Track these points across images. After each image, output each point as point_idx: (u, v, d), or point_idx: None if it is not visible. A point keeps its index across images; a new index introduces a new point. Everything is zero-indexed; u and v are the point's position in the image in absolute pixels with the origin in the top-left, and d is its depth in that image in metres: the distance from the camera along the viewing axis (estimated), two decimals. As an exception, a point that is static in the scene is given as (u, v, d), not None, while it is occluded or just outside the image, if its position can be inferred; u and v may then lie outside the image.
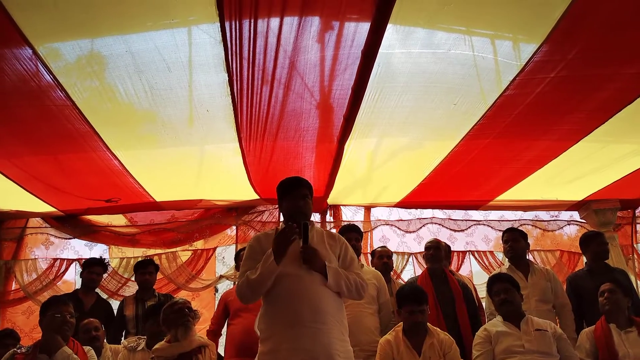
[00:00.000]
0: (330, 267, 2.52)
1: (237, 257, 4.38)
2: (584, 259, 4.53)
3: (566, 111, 3.56)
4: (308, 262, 2.48)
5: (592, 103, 3.43)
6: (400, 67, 3.08)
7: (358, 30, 2.66)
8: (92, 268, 4.54)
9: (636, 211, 5.96)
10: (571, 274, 4.56)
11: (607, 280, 3.63)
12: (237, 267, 4.51)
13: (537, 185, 4.95)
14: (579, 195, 5.47)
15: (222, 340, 4.67)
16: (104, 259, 4.97)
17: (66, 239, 5.48)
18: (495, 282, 3.50)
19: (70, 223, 5.44)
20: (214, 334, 4.06)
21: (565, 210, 5.98)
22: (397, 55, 2.99)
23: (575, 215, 6.02)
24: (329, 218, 5.68)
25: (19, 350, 3.11)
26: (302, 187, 2.68)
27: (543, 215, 6.09)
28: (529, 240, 4.27)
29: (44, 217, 5.42)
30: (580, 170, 4.63)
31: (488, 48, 2.99)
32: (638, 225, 5.93)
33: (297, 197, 2.64)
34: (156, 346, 3.06)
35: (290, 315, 2.41)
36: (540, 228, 6.08)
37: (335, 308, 2.52)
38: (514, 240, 4.14)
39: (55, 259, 5.39)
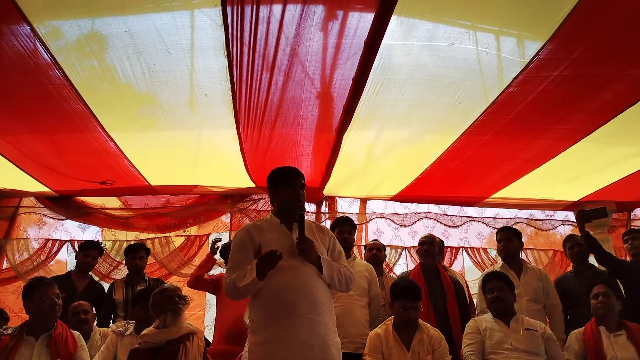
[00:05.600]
0: (324, 259, 2.54)
1: (223, 252, 4.30)
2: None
3: (568, 111, 3.54)
4: (304, 253, 2.48)
5: (594, 103, 3.41)
6: (403, 60, 3.04)
7: (362, 20, 2.62)
8: (88, 251, 4.50)
9: (632, 214, 5.97)
10: (558, 277, 4.59)
11: (593, 283, 3.64)
12: (223, 258, 4.35)
13: (534, 184, 4.94)
14: (575, 196, 5.46)
15: (210, 327, 4.66)
16: (101, 242, 4.94)
17: (59, 219, 5.45)
18: (491, 280, 3.52)
19: (64, 204, 5.40)
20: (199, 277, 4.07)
21: (561, 210, 5.97)
22: (400, 48, 2.95)
23: (571, 215, 6.02)
24: (324, 209, 5.66)
25: (4, 332, 3.06)
26: (301, 177, 2.69)
27: (538, 214, 6.09)
28: (522, 239, 4.27)
29: (38, 197, 5.37)
30: (578, 170, 4.62)
31: (492, 44, 2.95)
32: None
33: (297, 186, 2.66)
34: (144, 332, 3.00)
35: (287, 307, 2.41)
36: (534, 227, 6.08)
37: (327, 299, 2.55)
38: (507, 239, 4.14)
39: (47, 239, 5.36)
